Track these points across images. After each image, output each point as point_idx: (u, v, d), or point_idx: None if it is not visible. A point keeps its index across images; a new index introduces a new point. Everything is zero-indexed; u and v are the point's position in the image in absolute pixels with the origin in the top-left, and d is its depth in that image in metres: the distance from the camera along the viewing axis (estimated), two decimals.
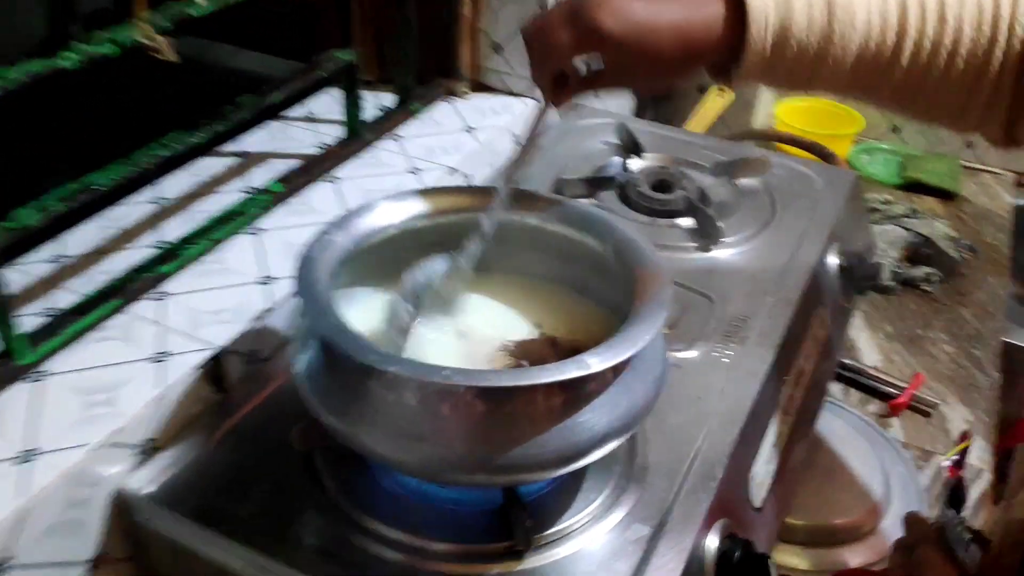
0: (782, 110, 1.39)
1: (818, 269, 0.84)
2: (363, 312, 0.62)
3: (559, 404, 0.50)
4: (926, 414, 0.89)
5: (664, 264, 0.58)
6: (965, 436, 0.89)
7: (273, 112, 0.97)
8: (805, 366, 0.79)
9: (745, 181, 0.95)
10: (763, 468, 0.68)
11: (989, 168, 1.43)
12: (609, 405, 0.52)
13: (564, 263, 0.65)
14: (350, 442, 0.52)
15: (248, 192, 0.83)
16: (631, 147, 0.98)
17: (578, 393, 0.51)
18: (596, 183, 0.92)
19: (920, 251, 1.12)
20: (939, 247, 1.11)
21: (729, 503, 0.62)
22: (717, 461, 0.62)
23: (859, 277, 0.87)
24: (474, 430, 0.50)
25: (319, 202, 0.84)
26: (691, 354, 0.71)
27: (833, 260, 0.88)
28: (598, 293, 0.64)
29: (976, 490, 0.84)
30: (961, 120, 0.56)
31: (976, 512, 0.83)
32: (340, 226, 0.61)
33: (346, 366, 0.52)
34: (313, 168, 0.87)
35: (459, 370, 0.49)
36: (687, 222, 0.88)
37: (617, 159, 0.99)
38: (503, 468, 0.50)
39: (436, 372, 0.48)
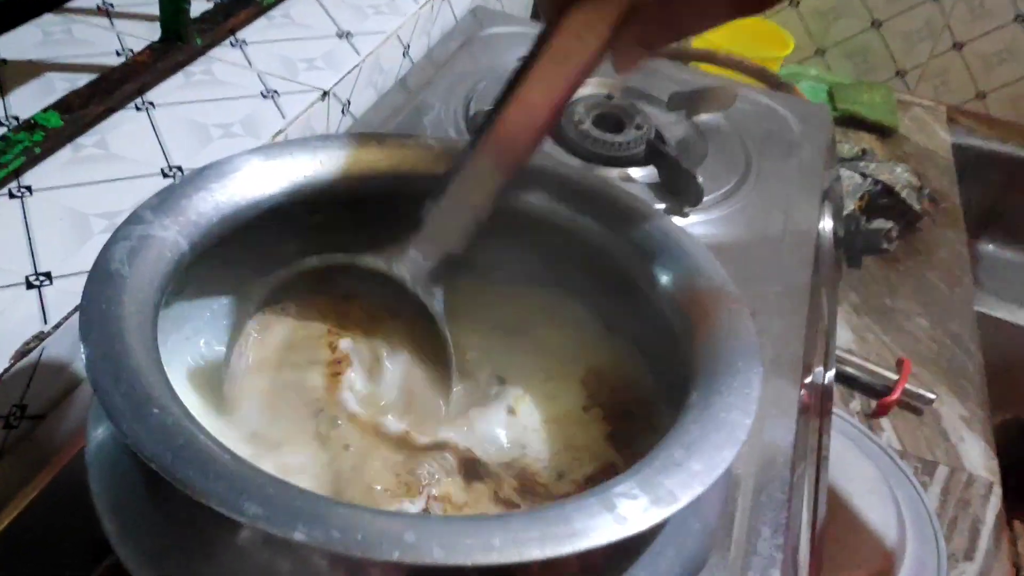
0: None
1: (817, 241, 0.65)
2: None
3: (598, 563, 0.28)
4: (918, 411, 0.74)
5: (740, 295, 0.35)
6: None
7: (48, 2, 0.66)
8: (815, 376, 0.60)
9: (705, 118, 0.74)
10: (804, 546, 0.49)
11: (919, 100, 1.28)
12: (674, 546, 0.30)
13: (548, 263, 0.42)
14: None
15: (6, 126, 0.53)
16: None
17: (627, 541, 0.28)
18: None
19: (877, 201, 0.96)
20: (900, 197, 0.95)
21: None
22: (769, 560, 0.42)
23: (858, 247, 0.69)
24: None
25: (123, 143, 0.55)
26: None
27: (828, 226, 0.69)
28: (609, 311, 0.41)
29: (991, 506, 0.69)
30: None
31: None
32: (163, 207, 0.35)
33: (191, 509, 0.27)
34: (112, 88, 0.58)
35: (425, 523, 0.25)
36: (644, 173, 0.66)
37: None
38: None
39: (386, 540, 0.24)
